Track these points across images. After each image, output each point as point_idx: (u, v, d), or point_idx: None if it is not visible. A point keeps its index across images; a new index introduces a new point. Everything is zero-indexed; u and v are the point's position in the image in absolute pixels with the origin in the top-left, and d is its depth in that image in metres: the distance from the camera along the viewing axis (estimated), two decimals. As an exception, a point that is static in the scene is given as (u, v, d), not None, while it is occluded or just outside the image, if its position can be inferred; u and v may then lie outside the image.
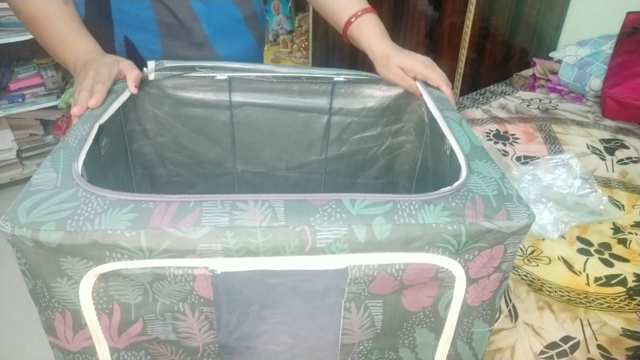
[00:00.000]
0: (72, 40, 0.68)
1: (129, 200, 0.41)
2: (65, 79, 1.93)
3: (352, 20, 0.78)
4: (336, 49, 2.05)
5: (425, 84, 0.70)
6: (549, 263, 0.82)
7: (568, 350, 0.67)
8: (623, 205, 0.96)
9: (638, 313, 0.72)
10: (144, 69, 0.68)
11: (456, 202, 0.44)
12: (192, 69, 0.71)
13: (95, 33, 0.72)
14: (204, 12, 0.80)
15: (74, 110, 0.57)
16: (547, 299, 0.75)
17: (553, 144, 1.21)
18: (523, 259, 0.83)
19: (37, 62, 2.13)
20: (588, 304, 0.74)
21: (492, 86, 1.60)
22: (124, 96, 0.64)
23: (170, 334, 0.46)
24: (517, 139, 1.23)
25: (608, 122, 1.33)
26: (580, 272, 0.80)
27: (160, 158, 0.76)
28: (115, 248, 0.39)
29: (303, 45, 2.37)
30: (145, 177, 0.77)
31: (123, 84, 0.65)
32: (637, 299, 0.75)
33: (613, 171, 1.09)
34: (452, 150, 0.56)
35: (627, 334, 0.69)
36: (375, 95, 0.75)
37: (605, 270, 0.80)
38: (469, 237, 0.42)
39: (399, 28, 1.74)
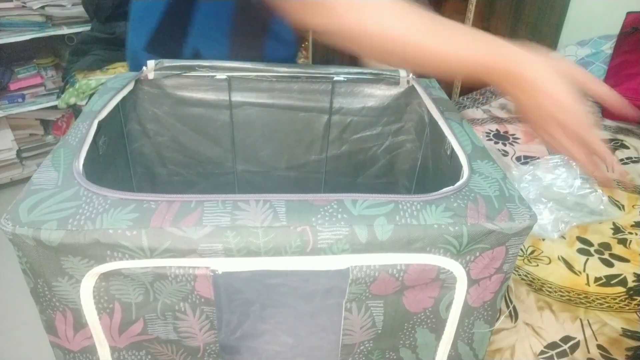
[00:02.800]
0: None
1: (130, 200, 0.41)
2: (66, 79, 1.93)
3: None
4: (336, 49, 2.05)
5: (424, 85, 0.70)
6: (549, 263, 0.82)
7: (568, 350, 0.67)
8: (623, 205, 0.96)
9: (638, 313, 0.72)
10: (144, 67, 0.68)
11: (458, 203, 0.44)
12: (192, 68, 0.70)
13: (166, 45, 0.71)
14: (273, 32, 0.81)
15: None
16: (547, 299, 0.75)
17: (553, 144, 1.21)
18: (523, 259, 0.83)
19: (37, 62, 2.13)
20: (588, 304, 0.74)
21: (492, 86, 1.59)
22: (123, 92, 0.64)
23: (171, 333, 0.46)
24: (517, 139, 1.23)
25: (608, 122, 1.33)
26: (580, 272, 0.80)
27: (160, 157, 0.76)
28: (117, 247, 0.39)
29: (303, 45, 2.37)
30: (145, 177, 0.77)
31: (122, 81, 0.65)
32: (637, 299, 0.75)
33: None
34: (452, 150, 0.56)
35: (627, 334, 0.69)
36: (375, 95, 0.75)
37: (605, 270, 0.80)
38: (470, 238, 0.42)
39: (399, 28, 1.74)
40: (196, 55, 0.78)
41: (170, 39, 0.76)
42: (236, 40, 0.78)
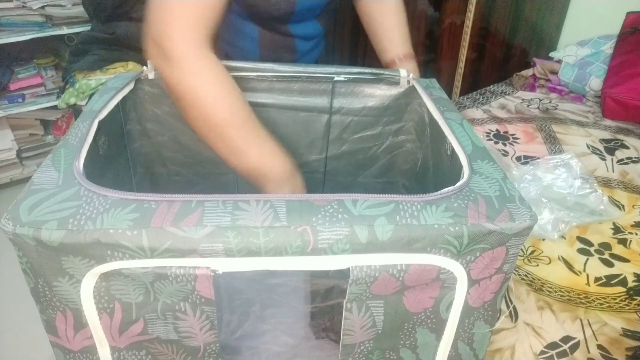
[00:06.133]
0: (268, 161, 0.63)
1: (130, 200, 0.41)
2: (66, 79, 1.92)
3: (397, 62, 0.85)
4: (336, 49, 2.05)
5: (424, 85, 0.70)
6: (549, 263, 0.82)
7: (568, 350, 0.67)
8: (623, 205, 0.96)
9: (638, 313, 0.72)
10: (144, 67, 0.68)
11: (458, 203, 0.44)
12: (193, 68, 0.70)
13: None
14: (298, 32, 0.84)
15: None
16: (547, 299, 0.75)
17: (553, 144, 1.21)
18: (523, 259, 0.83)
19: (37, 62, 2.13)
20: (588, 304, 0.74)
21: (492, 86, 1.60)
22: (124, 92, 0.64)
23: (171, 333, 0.46)
24: (517, 139, 1.23)
25: (608, 122, 1.33)
26: (580, 272, 0.80)
27: (160, 157, 0.76)
28: (117, 247, 0.39)
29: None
30: (145, 177, 0.77)
31: (122, 81, 0.65)
32: (637, 299, 0.75)
33: (613, 171, 1.09)
34: (453, 150, 0.56)
35: (627, 334, 0.69)
36: (375, 95, 0.75)
37: (606, 270, 0.80)
38: (471, 239, 0.42)
39: (399, 28, 1.74)
40: (226, 55, 0.81)
41: None
42: (264, 45, 0.82)
